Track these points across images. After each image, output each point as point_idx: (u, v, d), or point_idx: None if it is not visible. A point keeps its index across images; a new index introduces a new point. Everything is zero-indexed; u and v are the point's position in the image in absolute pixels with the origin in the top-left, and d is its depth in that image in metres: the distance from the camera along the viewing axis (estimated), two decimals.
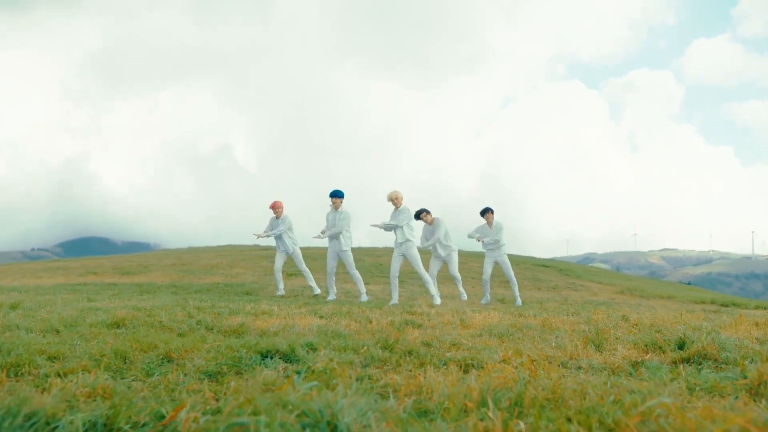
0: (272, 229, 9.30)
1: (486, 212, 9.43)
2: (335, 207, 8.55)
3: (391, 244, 8.25)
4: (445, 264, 8.94)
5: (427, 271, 8.77)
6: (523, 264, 25.81)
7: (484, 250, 9.53)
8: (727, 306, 13.50)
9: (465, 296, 9.15)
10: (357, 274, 8.60)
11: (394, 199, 8.16)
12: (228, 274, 15.75)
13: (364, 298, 8.45)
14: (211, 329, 3.79)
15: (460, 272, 9.27)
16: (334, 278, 8.62)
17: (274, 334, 3.61)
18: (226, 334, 3.64)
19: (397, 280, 8.17)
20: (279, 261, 9.41)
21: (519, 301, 9.39)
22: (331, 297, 8.50)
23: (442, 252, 8.80)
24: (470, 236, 9.49)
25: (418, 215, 8.87)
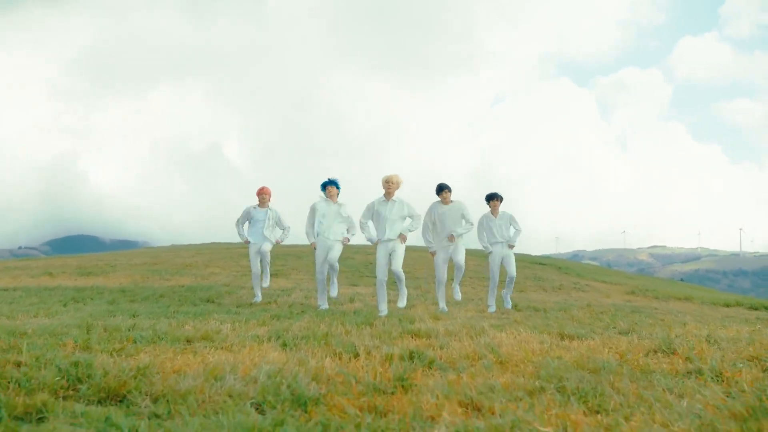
0: (259, 222, 7.68)
1: (493, 198, 7.89)
2: (332, 196, 6.98)
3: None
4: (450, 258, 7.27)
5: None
6: (520, 261, 24.15)
7: (489, 246, 7.91)
8: (757, 309, 12.11)
9: (459, 296, 7.61)
10: (337, 268, 7.10)
11: (394, 184, 6.48)
12: (200, 275, 14.07)
13: (323, 306, 6.92)
14: (78, 385, 2.18)
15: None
16: (326, 283, 7.07)
17: (183, 395, 2.02)
18: (93, 397, 2.03)
19: (385, 285, 6.51)
20: (255, 260, 7.79)
21: (508, 304, 8.02)
22: (323, 304, 7.01)
23: (450, 241, 7.12)
24: (484, 245, 7.97)
25: (440, 189, 7.16)
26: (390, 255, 6.51)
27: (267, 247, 7.82)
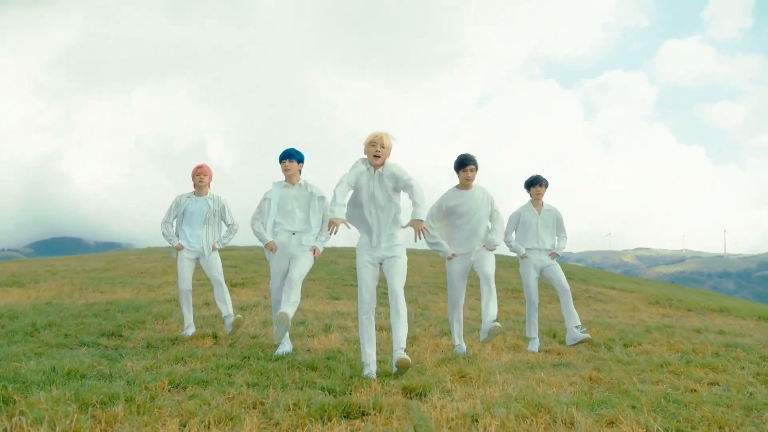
0: (195, 216, 5.21)
1: (535, 183, 5.46)
2: (292, 173, 4.56)
3: None
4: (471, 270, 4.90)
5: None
6: (519, 265, 22.08)
7: (522, 249, 5.57)
8: None
9: (486, 333, 4.68)
10: (298, 294, 4.35)
11: (386, 149, 3.81)
12: (149, 285, 11.59)
13: (286, 349, 4.42)
14: None
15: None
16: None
17: None
18: None
19: (374, 316, 3.86)
20: (187, 271, 5.36)
21: (577, 333, 5.30)
22: (285, 349, 4.53)
23: (476, 247, 4.75)
24: (510, 243, 5.56)
25: (464, 163, 4.70)
26: (383, 266, 3.88)
27: (215, 259, 5.41)
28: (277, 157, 4.62)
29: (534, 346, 5.29)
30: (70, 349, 4.21)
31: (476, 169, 4.71)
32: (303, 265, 4.44)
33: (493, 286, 4.74)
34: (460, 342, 4.86)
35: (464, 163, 4.68)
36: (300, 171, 4.67)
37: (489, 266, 4.76)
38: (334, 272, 13.58)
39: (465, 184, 4.73)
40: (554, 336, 6.01)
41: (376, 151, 3.81)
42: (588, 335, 5.34)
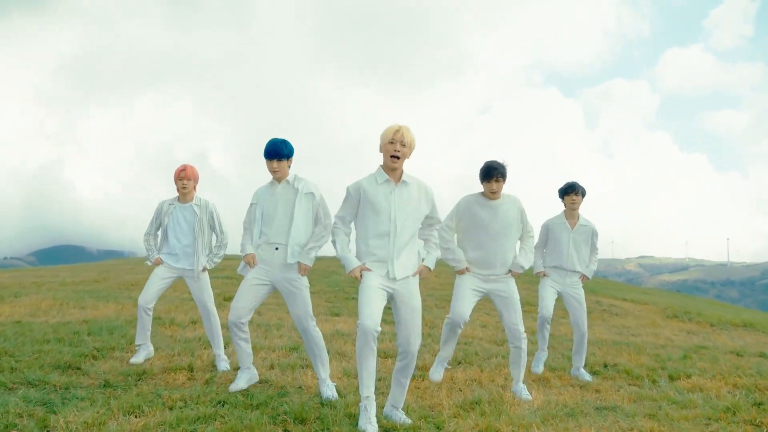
0: (180, 226, 4.48)
1: (570, 191, 4.74)
2: (282, 175, 3.76)
3: None
4: (487, 298, 4.07)
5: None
6: (522, 275, 21.25)
7: (541, 266, 4.92)
8: None
9: (526, 393, 3.92)
10: (319, 335, 3.73)
11: (407, 147, 3.05)
12: (136, 299, 10.80)
13: (240, 385, 3.69)
14: None
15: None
16: (246, 336, 3.81)
17: None
18: None
19: (375, 344, 2.95)
20: (154, 287, 4.64)
21: (580, 371, 4.80)
22: (240, 385, 3.79)
23: (497, 270, 4.00)
24: (535, 265, 4.87)
25: (489, 174, 3.90)
26: (395, 304, 3.12)
27: (204, 280, 4.69)
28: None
29: (539, 364, 4.83)
30: (9, 389, 3.48)
31: (504, 180, 3.97)
32: (305, 300, 3.69)
33: (522, 328, 4.06)
34: (434, 370, 4.25)
35: (489, 174, 3.92)
36: (289, 167, 3.90)
37: (515, 299, 4.03)
38: (334, 284, 12.72)
39: (490, 196, 4.01)
40: (584, 365, 5.25)
41: (395, 150, 3.04)
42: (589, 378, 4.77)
